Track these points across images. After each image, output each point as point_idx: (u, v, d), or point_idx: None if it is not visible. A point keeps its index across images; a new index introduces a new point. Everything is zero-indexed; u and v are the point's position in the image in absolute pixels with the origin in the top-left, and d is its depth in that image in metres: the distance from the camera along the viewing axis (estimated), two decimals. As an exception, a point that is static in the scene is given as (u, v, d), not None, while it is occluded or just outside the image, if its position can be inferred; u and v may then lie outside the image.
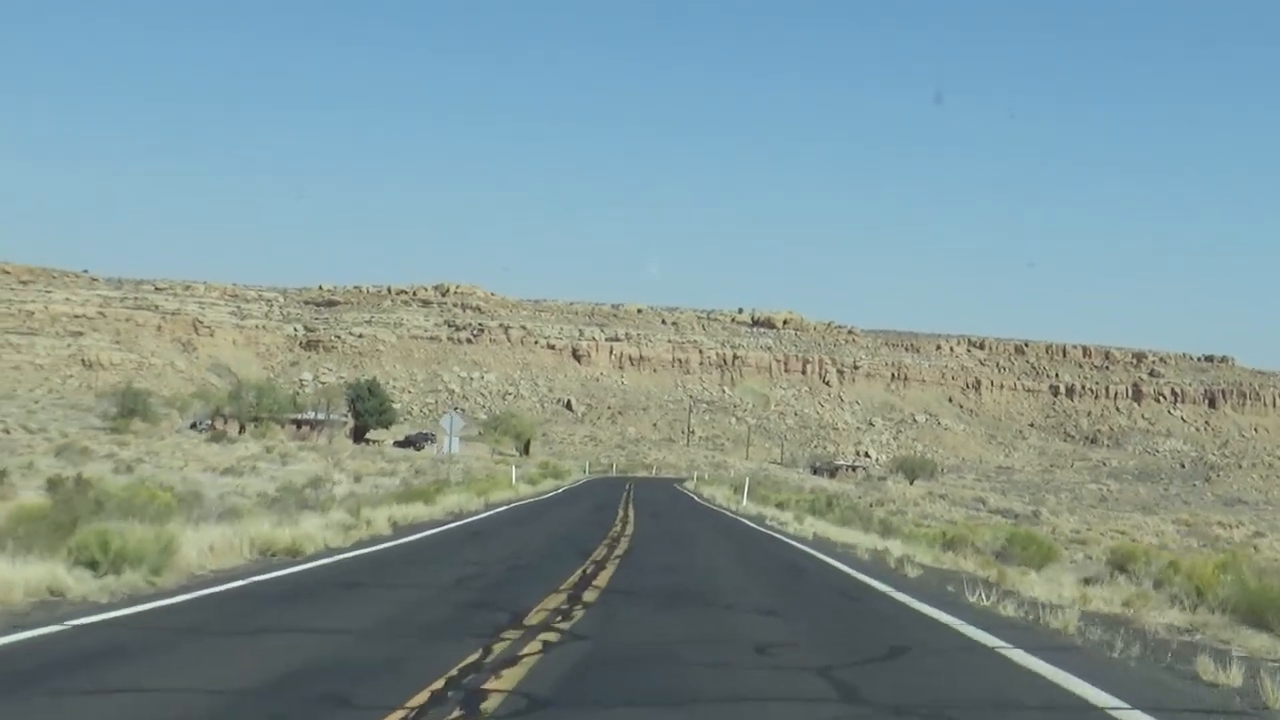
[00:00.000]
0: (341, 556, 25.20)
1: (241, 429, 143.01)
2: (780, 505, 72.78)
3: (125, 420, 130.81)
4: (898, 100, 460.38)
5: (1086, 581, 32.85)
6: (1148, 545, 43.57)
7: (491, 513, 47.47)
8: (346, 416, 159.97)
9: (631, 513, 51.54)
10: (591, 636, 14.62)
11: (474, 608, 17.24)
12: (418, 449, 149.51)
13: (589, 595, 18.99)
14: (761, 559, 29.69)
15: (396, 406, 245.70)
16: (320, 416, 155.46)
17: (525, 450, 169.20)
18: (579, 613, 16.73)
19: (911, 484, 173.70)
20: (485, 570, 23.28)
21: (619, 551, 28.94)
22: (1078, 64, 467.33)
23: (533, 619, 15.88)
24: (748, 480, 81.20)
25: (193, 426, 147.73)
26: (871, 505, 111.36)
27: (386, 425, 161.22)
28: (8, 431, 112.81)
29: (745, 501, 70.81)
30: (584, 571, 23.20)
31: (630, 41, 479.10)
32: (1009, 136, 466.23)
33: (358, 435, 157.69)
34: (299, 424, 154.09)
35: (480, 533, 35.08)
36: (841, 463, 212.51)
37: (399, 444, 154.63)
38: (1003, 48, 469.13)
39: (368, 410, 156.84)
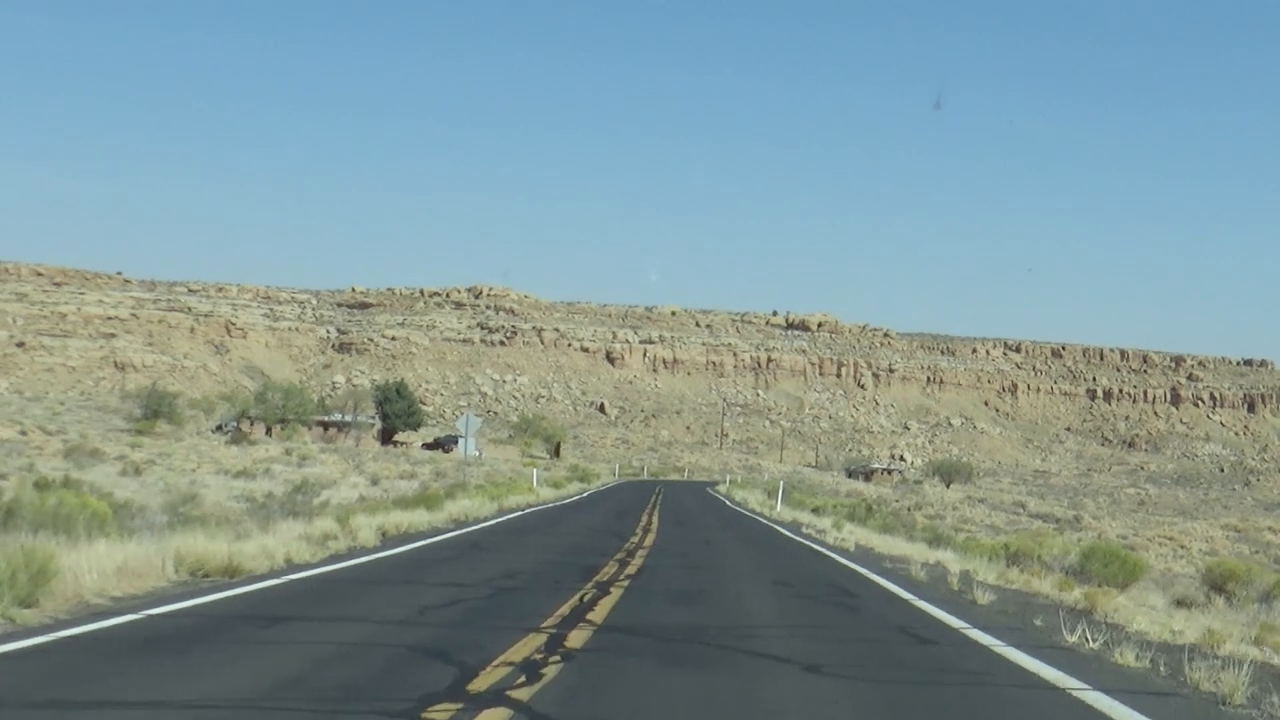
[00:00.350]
0: (294, 576, 20.54)
1: (269, 431, 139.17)
2: (817, 511, 67.91)
3: (150, 422, 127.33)
4: (930, 102, 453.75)
5: (1178, 604, 27.96)
6: (1249, 562, 38.13)
7: (501, 519, 42.73)
8: (374, 418, 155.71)
9: (655, 520, 46.77)
10: (555, 718, 9.87)
11: (417, 658, 12.61)
12: (446, 451, 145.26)
13: (575, 638, 14.25)
14: (800, 580, 24.71)
15: (428, 409, 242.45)
16: (347, 419, 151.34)
17: (556, 453, 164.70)
18: (552, 669, 12.00)
19: (948, 487, 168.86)
20: (460, 596, 18.59)
21: (631, 570, 24.16)
22: (1114, 66, 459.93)
23: (483, 681, 11.20)
24: (782, 484, 75.76)
25: (218, 429, 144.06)
26: (909, 509, 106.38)
27: (415, 427, 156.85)
28: (25, 433, 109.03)
29: (780, 507, 65.89)
30: (581, 598, 18.50)
31: (662, 44, 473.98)
32: (1043, 138, 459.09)
33: (386, 437, 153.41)
34: (326, 426, 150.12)
35: (478, 544, 30.34)
36: (877, 466, 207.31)
37: (427, 446, 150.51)
38: (1033, 49, 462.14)
39: (396, 412, 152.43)
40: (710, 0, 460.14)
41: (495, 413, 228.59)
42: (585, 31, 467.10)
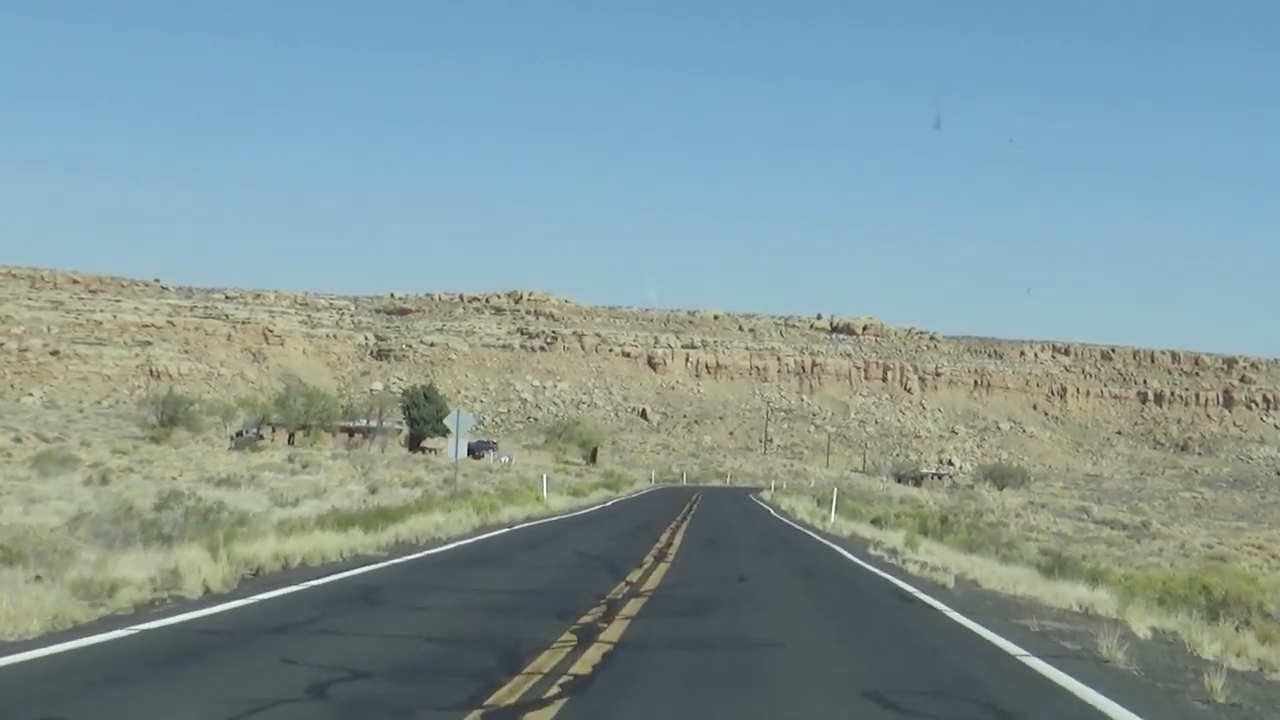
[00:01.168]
0: None
1: (291, 438, 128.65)
2: (878, 522, 55.86)
3: (166, 429, 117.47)
4: (974, 104, 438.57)
5: None
6: None
7: (468, 542, 30.95)
8: (401, 424, 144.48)
9: (678, 539, 34.90)
10: None
11: None
12: (477, 458, 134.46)
13: None
14: (911, 681, 12.44)
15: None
16: (372, 424, 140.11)
17: (592, 459, 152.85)
18: None
19: (1000, 492, 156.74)
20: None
21: (584, 662, 12.21)
22: (1161, 67, 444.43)
23: None
24: (835, 491, 62.77)
25: (238, 435, 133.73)
26: (970, 515, 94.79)
27: (445, 433, 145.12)
28: (19, 440, 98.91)
29: (834, 517, 53.72)
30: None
31: (706, 51, 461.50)
32: (1089, 139, 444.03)
33: (413, 443, 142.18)
34: (351, 432, 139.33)
35: (372, 593, 18.45)
36: (926, 470, 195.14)
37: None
38: (1078, 47, 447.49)
39: (424, 417, 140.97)
40: (749, 4, 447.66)
41: (535, 419, 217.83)
42: (625, 37, 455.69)
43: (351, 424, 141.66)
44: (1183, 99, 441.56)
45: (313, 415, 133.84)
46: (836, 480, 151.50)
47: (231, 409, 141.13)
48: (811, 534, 43.88)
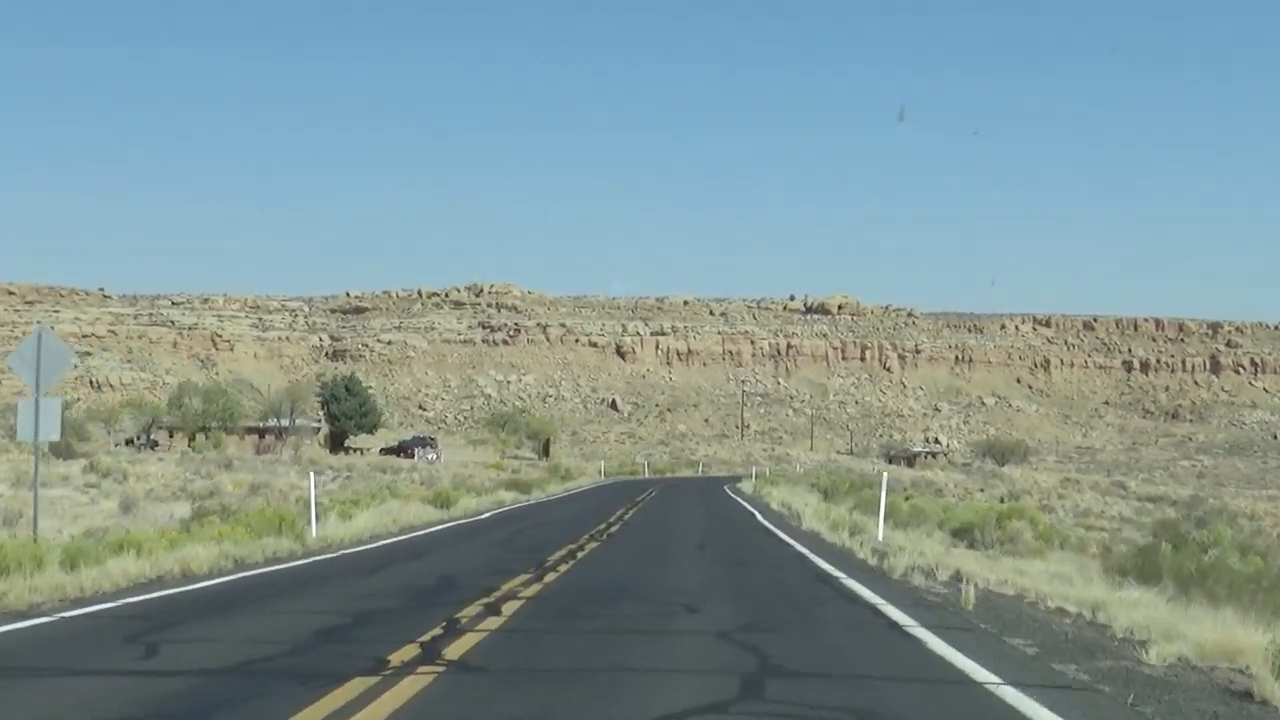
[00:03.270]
0: None
1: (192, 440, 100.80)
2: (964, 535, 27.35)
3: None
4: (944, 80, 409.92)
5: None
6: None
7: None
8: (320, 421, 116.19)
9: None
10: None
11: None
12: (407, 455, 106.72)
13: None
14: None
15: (429, 413, 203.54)
16: (284, 424, 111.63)
17: (545, 452, 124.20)
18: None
19: (1003, 469, 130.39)
20: None
21: None
22: (1139, 38, 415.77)
23: None
24: (884, 477, 30.85)
25: (129, 442, 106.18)
26: (1003, 500, 67.19)
27: (371, 429, 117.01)
28: None
29: (883, 532, 24.89)
30: None
31: (666, 36, 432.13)
32: (1064, 110, 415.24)
33: (336, 442, 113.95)
34: (262, 433, 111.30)
35: None
36: (917, 450, 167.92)
37: (387, 451, 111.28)
38: (1052, 21, 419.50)
39: (345, 413, 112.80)
40: None
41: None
42: (577, 26, 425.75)
43: (261, 424, 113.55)
44: (1154, 67, 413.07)
45: (212, 415, 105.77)
46: (825, 463, 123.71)
47: (116, 412, 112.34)
48: (886, 606, 14.96)
